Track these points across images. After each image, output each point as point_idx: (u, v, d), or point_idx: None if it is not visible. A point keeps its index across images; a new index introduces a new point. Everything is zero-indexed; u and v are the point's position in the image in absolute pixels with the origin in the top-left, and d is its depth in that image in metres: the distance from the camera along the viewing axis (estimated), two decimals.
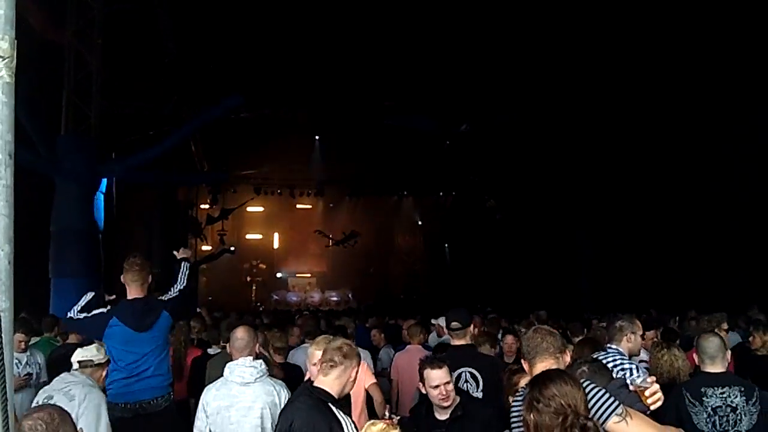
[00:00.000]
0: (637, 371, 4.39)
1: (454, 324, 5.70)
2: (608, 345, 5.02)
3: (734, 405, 4.44)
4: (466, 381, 5.38)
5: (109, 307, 5.70)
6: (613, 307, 14.88)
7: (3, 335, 1.38)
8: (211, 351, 7.62)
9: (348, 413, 4.19)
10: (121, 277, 5.73)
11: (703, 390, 4.50)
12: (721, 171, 17.27)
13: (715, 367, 4.62)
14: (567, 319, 12.59)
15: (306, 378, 5.33)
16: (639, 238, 21.70)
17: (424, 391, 4.55)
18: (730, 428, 4.41)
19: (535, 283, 23.96)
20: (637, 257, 21.66)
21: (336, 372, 3.87)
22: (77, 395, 4.56)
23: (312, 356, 4.45)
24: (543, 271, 24.54)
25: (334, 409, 3.76)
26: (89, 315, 5.61)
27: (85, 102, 14.72)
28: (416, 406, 4.98)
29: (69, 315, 5.71)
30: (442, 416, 4.46)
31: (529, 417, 2.82)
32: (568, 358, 3.62)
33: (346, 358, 3.90)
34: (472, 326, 5.88)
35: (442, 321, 7.69)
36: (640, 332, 5.06)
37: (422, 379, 4.49)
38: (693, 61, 15.78)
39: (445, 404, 4.41)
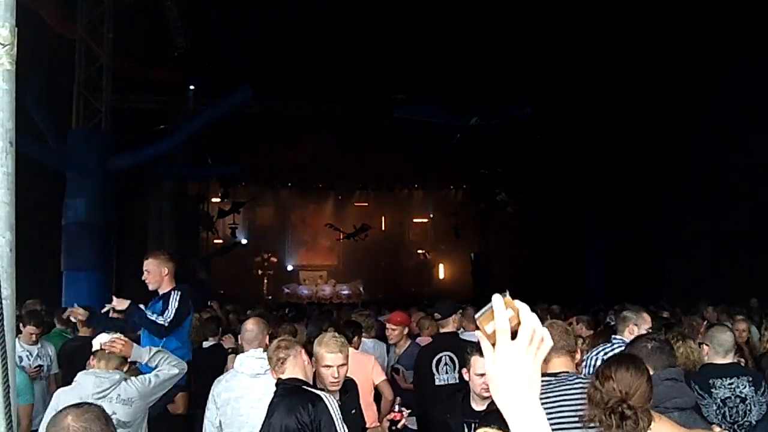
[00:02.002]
0: None
1: (436, 314, 6.58)
2: (614, 336, 5.04)
3: (743, 395, 4.41)
4: (446, 364, 5.87)
5: (180, 295, 5.64)
6: (625, 300, 14.86)
7: (5, 322, 1.39)
8: (205, 344, 7.55)
9: (353, 403, 4.22)
10: (167, 267, 5.73)
11: (711, 381, 4.45)
12: (735, 161, 17.17)
13: (726, 359, 4.57)
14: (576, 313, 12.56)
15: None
16: (652, 231, 21.70)
17: (467, 378, 4.44)
18: (740, 419, 4.37)
19: (547, 275, 23.95)
20: (649, 250, 21.65)
21: (288, 364, 4.02)
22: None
23: (321, 358, 4.33)
24: (555, 263, 24.52)
25: (310, 388, 3.94)
26: (176, 311, 5.54)
27: (95, 96, 14.79)
28: (452, 392, 4.92)
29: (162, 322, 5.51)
30: (478, 407, 4.31)
31: (590, 391, 3.02)
32: (578, 356, 3.80)
33: (289, 349, 4.06)
34: (455, 316, 6.53)
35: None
36: (647, 325, 5.05)
37: (468, 366, 4.43)
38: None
39: (486, 394, 4.25)
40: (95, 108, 14.78)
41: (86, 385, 4.27)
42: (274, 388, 4.03)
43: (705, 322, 6.83)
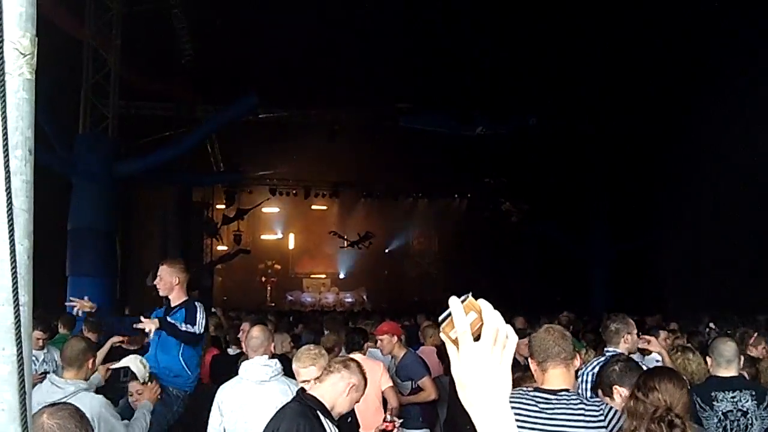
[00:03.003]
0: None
1: None
2: (606, 349, 5.00)
3: (745, 409, 4.37)
4: None
5: (203, 309, 5.79)
6: (626, 311, 14.80)
7: (22, 330, 1.40)
8: (231, 351, 7.65)
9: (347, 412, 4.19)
10: (180, 277, 5.82)
11: (713, 394, 4.43)
12: (740, 173, 17.15)
13: (729, 371, 4.54)
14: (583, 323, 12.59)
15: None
16: (658, 242, 21.67)
17: None
18: None
19: (552, 285, 23.92)
20: (654, 261, 21.61)
21: (332, 379, 3.75)
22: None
23: (297, 375, 4.26)
24: (560, 273, 24.48)
25: (322, 418, 3.61)
26: (204, 324, 5.79)
27: (103, 102, 14.86)
28: None
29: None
30: None
31: (629, 404, 3.08)
32: (578, 363, 3.63)
33: (345, 369, 3.78)
34: None
35: None
36: (635, 330, 5.07)
37: None
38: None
39: None
40: (102, 114, 14.84)
41: (43, 391, 4.19)
42: (295, 394, 3.86)
43: (756, 334, 6.80)
